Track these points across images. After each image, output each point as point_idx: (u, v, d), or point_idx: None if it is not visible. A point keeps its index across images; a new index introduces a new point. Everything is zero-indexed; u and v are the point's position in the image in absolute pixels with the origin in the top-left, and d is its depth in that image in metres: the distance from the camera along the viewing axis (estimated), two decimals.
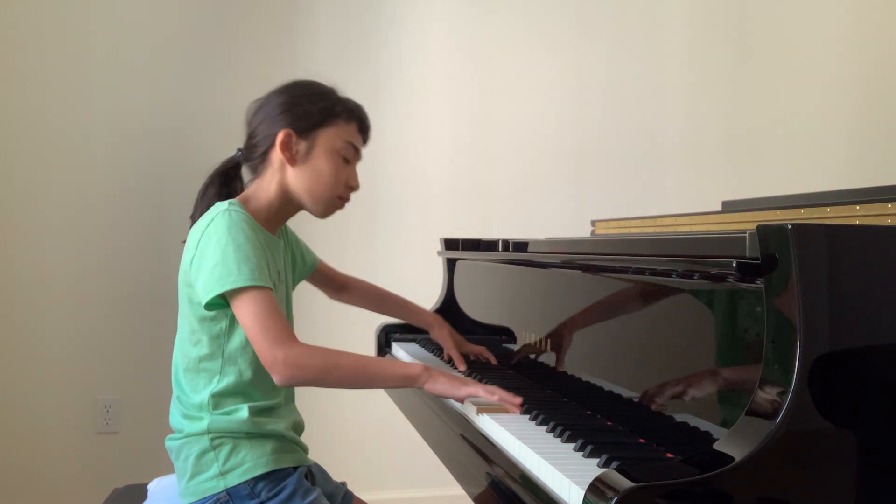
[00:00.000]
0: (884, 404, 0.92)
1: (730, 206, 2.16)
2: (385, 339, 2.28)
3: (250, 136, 1.55)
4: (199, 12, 3.08)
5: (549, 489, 1.05)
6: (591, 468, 1.04)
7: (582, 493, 0.92)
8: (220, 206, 1.45)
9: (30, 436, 2.94)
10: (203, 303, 1.40)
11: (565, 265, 1.62)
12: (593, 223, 2.39)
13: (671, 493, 0.84)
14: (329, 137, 1.52)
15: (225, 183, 1.56)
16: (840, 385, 0.91)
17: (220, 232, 1.40)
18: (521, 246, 1.92)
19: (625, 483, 0.85)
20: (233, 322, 1.43)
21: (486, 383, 1.49)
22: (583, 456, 1.12)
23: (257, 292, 1.38)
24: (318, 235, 3.12)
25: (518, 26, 3.34)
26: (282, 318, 1.40)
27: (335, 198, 1.55)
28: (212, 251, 1.39)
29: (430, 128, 3.27)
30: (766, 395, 0.91)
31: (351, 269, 3.18)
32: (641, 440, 1.21)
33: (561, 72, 3.36)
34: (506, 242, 2.05)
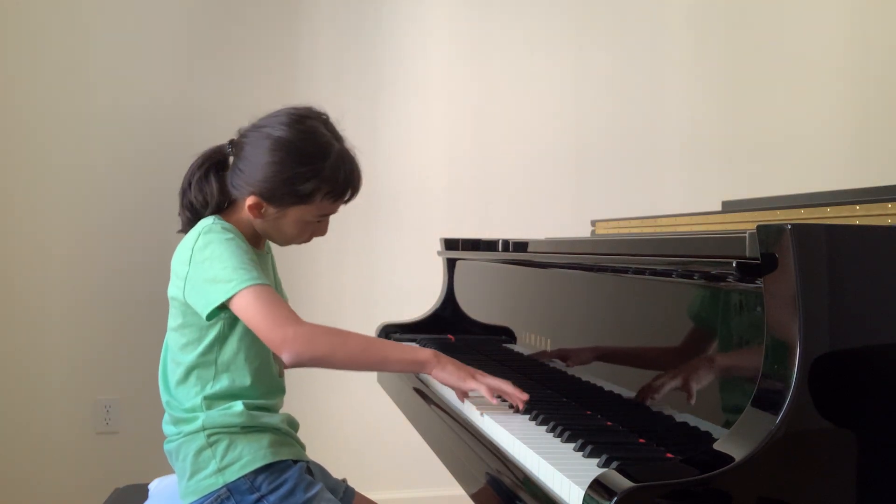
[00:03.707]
0: (884, 404, 0.92)
1: (730, 206, 2.16)
2: (385, 338, 2.28)
3: (235, 164, 1.50)
4: (200, 13, 3.08)
5: (549, 489, 1.05)
6: (591, 468, 1.04)
7: (582, 493, 0.92)
8: (206, 221, 1.47)
9: (30, 436, 2.94)
10: (205, 315, 1.41)
11: (565, 265, 1.62)
12: (593, 223, 2.39)
13: (671, 493, 0.85)
14: (301, 212, 1.49)
15: (218, 173, 1.51)
16: (840, 385, 0.91)
17: (212, 245, 1.42)
18: (521, 246, 1.92)
19: (625, 483, 0.85)
20: (226, 331, 1.44)
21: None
22: (583, 456, 1.12)
23: (254, 288, 1.39)
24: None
25: (518, 27, 3.34)
26: (284, 303, 1.42)
27: (297, 244, 1.58)
28: (207, 265, 1.41)
29: (431, 128, 3.26)
30: (766, 395, 0.91)
31: (351, 269, 3.20)
32: (641, 440, 1.21)
33: (561, 72, 3.36)
34: (506, 242, 2.05)
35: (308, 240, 1.56)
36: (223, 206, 1.53)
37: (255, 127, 1.51)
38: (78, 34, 2.98)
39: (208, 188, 1.50)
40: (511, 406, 1.43)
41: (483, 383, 1.42)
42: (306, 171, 1.45)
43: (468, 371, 1.44)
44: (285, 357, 1.38)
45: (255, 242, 1.55)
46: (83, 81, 2.98)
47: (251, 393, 1.46)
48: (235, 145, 1.52)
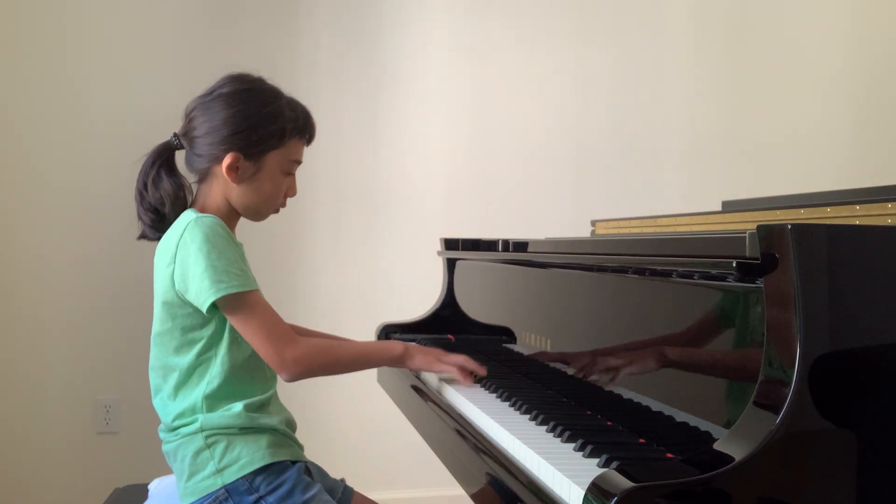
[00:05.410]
0: (884, 404, 0.92)
1: (730, 206, 2.16)
2: (385, 338, 2.28)
3: (192, 140, 1.50)
4: (199, 11, 3.08)
5: (549, 489, 1.05)
6: (591, 468, 1.04)
7: (582, 493, 0.92)
8: (189, 216, 1.44)
9: (30, 436, 2.94)
10: (204, 310, 1.40)
11: (565, 265, 1.62)
12: (593, 223, 2.39)
13: (671, 493, 0.84)
14: (277, 159, 1.51)
15: (170, 170, 1.52)
16: (840, 385, 0.91)
17: (199, 240, 1.40)
18: (521, 246, 1.92)
19: (625, 483, 0.85)
20: (221, 325, 1.44)
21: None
22: (583, 456, 1.12)
23: (250, 296, 1.40)
24: (318, 235, 3.13)
25: (518, 27, 3.34)
26: (278, 317, 1.44)
27: (273, 209, 1.57)
28: (194, 259, 1.39)
29: (431, 128, 3.26)
30: (766, 395, 0.91)
31: (351, 268, 3.20)
32: (641, 440, 1.21)
33: (561, 72, 3.36)
34: (506, 242, 2.05)
35: (283, 203, 1.57)
36: (184, 202, 1.51)
37: (200, 98, 1.53)
38: (76, 38, 2.98)
39: (163, 186, 1.49)
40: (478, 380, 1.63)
41: (448, 362, 1.61)
42: (270, 110, 1.51)
43: (434, 354, 1.63)
44: (284, 377, 1.46)
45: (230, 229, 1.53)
46: (81, 84, 2.98)
47: (247, 388, 1.45)
48: (183, 133, 1.52)
